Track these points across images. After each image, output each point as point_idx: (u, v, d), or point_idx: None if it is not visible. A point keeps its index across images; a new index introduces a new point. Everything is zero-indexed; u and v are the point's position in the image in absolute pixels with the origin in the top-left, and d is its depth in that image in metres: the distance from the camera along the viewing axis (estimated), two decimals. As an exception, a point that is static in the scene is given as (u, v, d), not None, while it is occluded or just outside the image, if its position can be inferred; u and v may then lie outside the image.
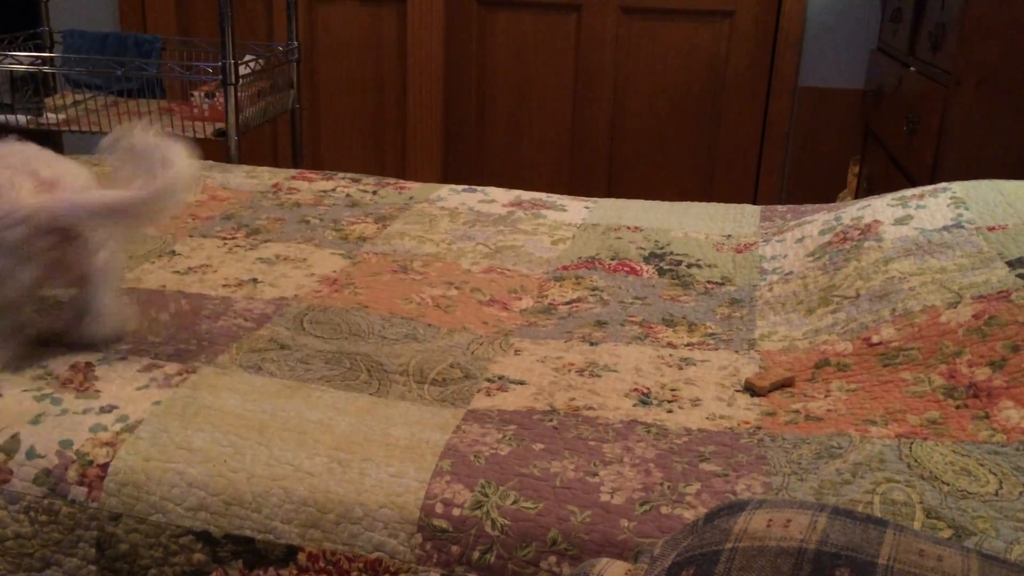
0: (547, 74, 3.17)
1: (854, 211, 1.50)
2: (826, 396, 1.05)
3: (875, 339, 1.14)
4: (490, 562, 0.85)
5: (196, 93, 2.49)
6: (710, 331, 1.26)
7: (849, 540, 0.62)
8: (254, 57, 2.45)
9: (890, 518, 0.82)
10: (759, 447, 0.95)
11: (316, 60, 3.28)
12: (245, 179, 1.91)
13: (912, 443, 0.93)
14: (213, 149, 2.43)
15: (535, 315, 1.30)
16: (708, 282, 1.44)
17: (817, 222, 1.53)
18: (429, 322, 1.26)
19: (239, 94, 2.33)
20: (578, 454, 0.93)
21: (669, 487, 0.88)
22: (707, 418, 1.02)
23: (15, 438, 0.96)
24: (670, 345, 1.22)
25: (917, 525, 0.81)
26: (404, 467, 0.91)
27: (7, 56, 2.37)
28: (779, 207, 1.76)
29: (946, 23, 1.94)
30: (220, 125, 2.39)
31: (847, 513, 0.66)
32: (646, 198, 1.88)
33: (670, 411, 1.04)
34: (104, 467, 0.94)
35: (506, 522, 0.86)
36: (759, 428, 0.99)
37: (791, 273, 1.41)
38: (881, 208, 1.46)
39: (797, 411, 1.02)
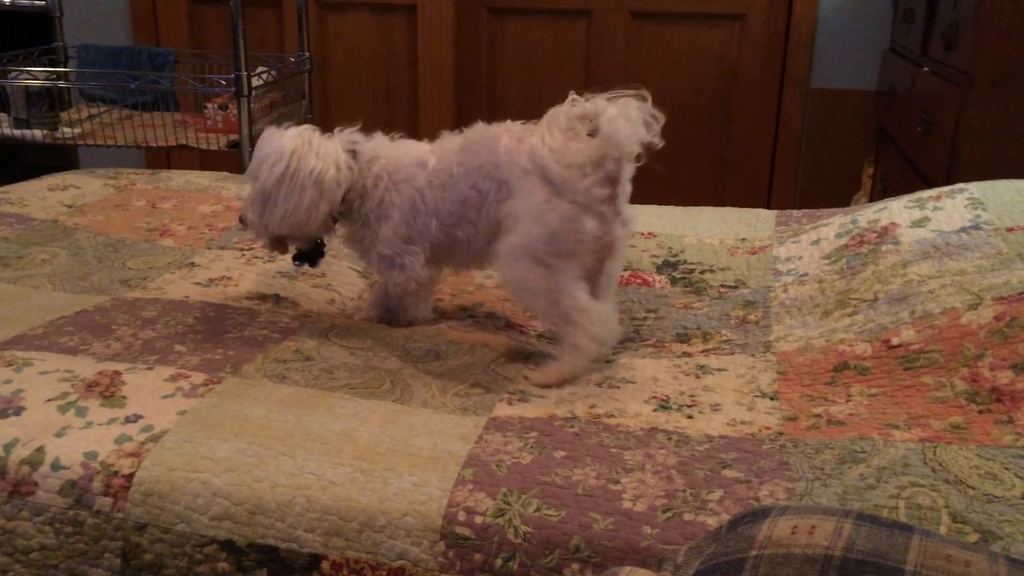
0: (557, 80, 3.18)
1: (870, 214, 1.49)
2: (847, 401, 1.05)
3: (895, 341, 1.14)
4: (513, 569, 0.85)
5: (209, 105, 2.50)
6: (725, 338, 1.26)
7: (875, 546, 0.62)
8: (266, 68, 2.46)
9: (915, 523, 0.81)
10: (781, 453, 0.94)
11: (327, 70, 3.30)
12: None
13: (936, 447, 0.92)
14: (227, 160, 2.45)
15: (552, 337, 1.30)
16: (722, 286, 1.44)
17: (833, 225, 1.52)
18: (450, 339, 1.26)
19: (252, 105, 2.34)
20: (600, 461, 0.93)
21: (692, 494, 0.88)
22: (728, 424, 1.02)
23: (40, 450, 0.97)
24: (685, 354, 1.22)
25: (943, 530, 0.81)
26: (427, 476, 0.92)
27: (22, 72, 2.39)
28: (794, 212, 1.75)
29: (959, 22, 1.93)
30: (234, 137, 2.40)
31: (872, 519, 0.66)
32: (658, 203, 1.88)
33: (690, 417, 1.04)
34: (129, 477, 0.94)
35: (529, 530, 0.86)
36: (780, 434, 0.99)
37: (806, 275, 1.41)
38: (897, 210, 1.45)
39: (819, 416, 1.02)
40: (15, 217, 1.72)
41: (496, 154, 1.19)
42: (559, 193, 1.12)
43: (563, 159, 1.12)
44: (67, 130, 2.46)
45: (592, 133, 1.13)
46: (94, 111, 2.61)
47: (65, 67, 2.70)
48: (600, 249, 1.16)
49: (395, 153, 1.28)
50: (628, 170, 1.16)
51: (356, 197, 1.27)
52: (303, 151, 1.23)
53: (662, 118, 1.13)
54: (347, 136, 1.30)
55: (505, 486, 0.90)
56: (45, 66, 2.56)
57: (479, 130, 1.25)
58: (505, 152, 1.18)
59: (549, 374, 1.13)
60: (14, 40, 2.82)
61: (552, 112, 1.15)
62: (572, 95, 1.15)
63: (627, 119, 1.11)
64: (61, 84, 2.47)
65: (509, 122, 1.23)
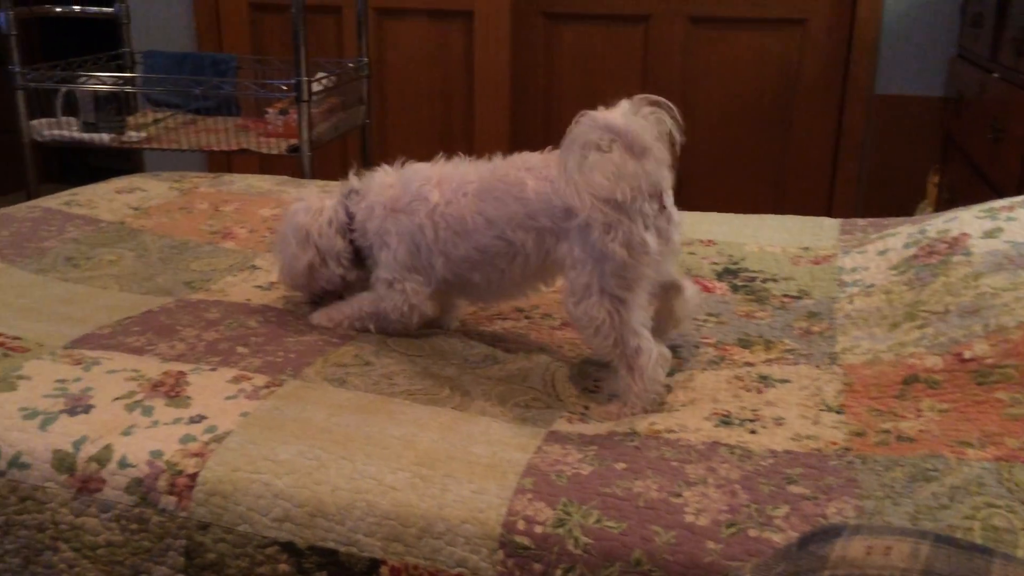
0: (614, 86, 3.16)
1: (940, 223, 1.45)
2: (917, 416, 1.02)
3: (967, 355, 1.10)
4: (572, 581, 0.84)
5: (270, 110, 2.54)
6: (788, 347, 1.24)
7: (954, 570, 0.60)
8: (326, 74, 2.49)
9: (991, 545, 0.78)
10: (849, 469, 0.92)
11: (385, 75, 3.33)
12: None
13: (1012, 467, 0.89)
14: (287, 165, 2.48)
15: None
16: (784, 296, 1.41)
17: (901, 235, 1.48)
18: (506, 347, 1.26)
19: (312, 110, 2.37)
20: (661, 474, 0.92)
21: (756, 509, 0.86)
22: (792, 439, 1.00)
23: (108, 448, 0.99)
24: (747, 364, 1.20)
25: (1021, 553, 0.78)
26: (486, 484, 0.91)
27: (91, 77, 2.46)
28: (859, 220, 1.71)
29: (1033, 28, 1.87)
30: (293, 141, 2.43)
31: (950, 541, 0.63)
32: (716, 210, 1.85)
33: (753, 432, 1.02)
34: (193, 477, 0.96)
35: (589, 541, 0.85)
36: (848, 449, 0.96)
37: (873, 286, 1.38)
38: (968, 220, 1.41)
39: (888, 431, 0.99)
40: (84, 219, 1.76)
41: (527, 203, 1.13)
42: (615, 222, 1.07)
43: (599, 197, 1.04)
44: (133, 134, 2.52)
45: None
46: (159, 115, 2.67)
47: (132, 73, 2.77)
48: (662, 261, 1.14)
49: (388, 185, 1.26)
50: (668, 180, 1.11)
51: (360, 236, 1.28)
52: (295, 214, 1.33)
53: (673, 121, 1.07)
54: (347, 183, 1.32)
55: (565, 496, 0.89)
56: (113, 72, 2.63)
57: (497, 173, 1.18)
58: (538, 199, 1.13)
59: (610, 413, 1.10)
60: (84, 46, 2.91)
61: (565, 152, 1.06)
62: (580, 115, 1.07)
63: (631, 115, 1.05)
64: (128, 89, 2.54)
65: (526, 154, 1.18)
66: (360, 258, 1.30)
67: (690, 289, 1.23)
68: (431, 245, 1.20)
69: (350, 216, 1.28)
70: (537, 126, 3.26)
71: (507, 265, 1.18)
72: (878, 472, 0.91)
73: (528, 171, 1.16)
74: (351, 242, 1.29)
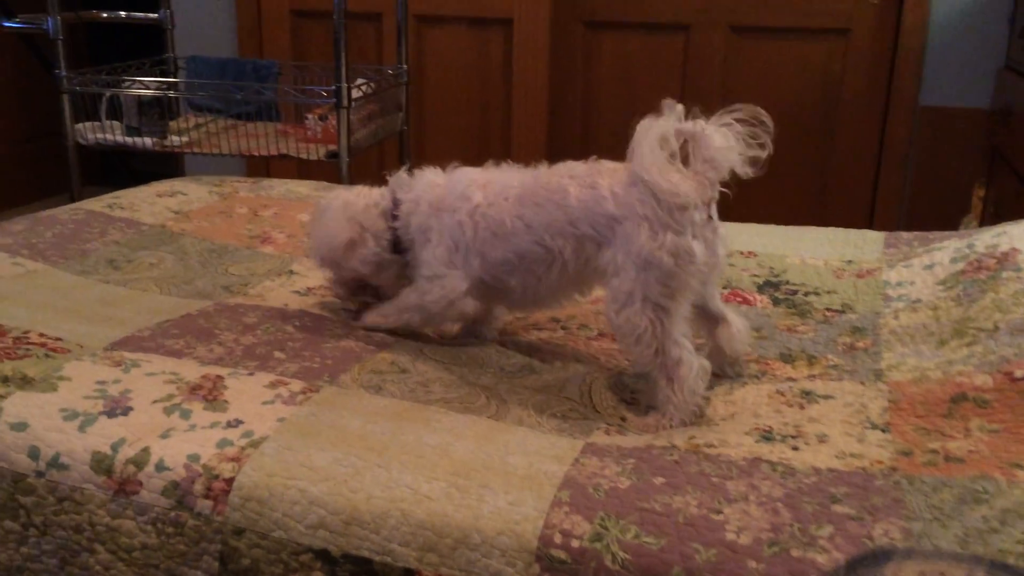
0: (653, 95, 3.13)
1: (988, 238, 1.42)
2: (966, 436, 0.99)
3: (1018, 373, 1.07)
4: (609, 597, 0.83)
5: (310, 116, 2.56)
6: (832, 363, 1.21)
7: (1011, 598, 0.58)
8: (365, 81, 2.50)
9: (1046, 573, 0.76)
10: (895, 489, 0.89)
11: (423, 83, 3.34)
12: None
13: (1069, 492, 0.86)
14: (325, 170, 2.50)
15: None
16: (827, 310, 1.39)
17: (948, 249, 1.45)
18: (543, 357, 1.25)
19: (351, 117, 2.38)
20: (701, 490, 0.90)
21: (799, 528, 0.84)
22: (836, 456, 0.97)
23: (146, 451, 1.00)
24: (789, 379, 1.18)
25: (1078, 583, 0.75)
26: (522, 495, 0.90)
27: (135, 81, 2.49)
28: (904, 233, 1.68)
29: (1087, 39, 1.82)
30: (332, 147, 2.45)
31: (1005, 568, 0.61)
32: (756, 222, 1.83)
33: (796, 448, 0.99)
34: (229, 482, 0.96)
35: (627, 556, 0.84)
36: (894, 469, 0.94)
37: (919, 301, 1.34)
38: (1019, 235, 1.38)
39: (935, 451, 0.96)
40: (126, 221, 1.79)
41: (569, 210, 1.13)
42: (660, 229, 1.07)
43: (673, 197, 1.06)
44: (175, 138, 2.55)
45: (684, 150, 1.08)
46: (200, 120, 2.70)
47: (175, 78, 2.80)
48: (707, 272, 1.12)
49: (436, 183, 1.26)
50: (716, 191, 1.12)
51: (402, 227, 1.27)
52: (339, 195, 1.33)
53: (770, 131, 1.09)
54: (395, 178, 1.32)
55: (602, 510, 0.88)
56: (156, 76, 2.67)
57: (540, 180, 1.18)
58: (580, 206, 1.13)
59: (648, 425, 1.09)
60: (129, 51, 2.95)
61: (648, 138, 1.07)
62: (668, 103, 1.10)
63: (734, 149, 1.08)
64: (171, 94, 2.57)
65: (570, 163, 1.19)
66: (398, 248, 1.30)
67: (737, 323, 1.20)
68: (469, 244, 1.21)
69: (396, 203, 1.29)
70: (575, 135, 3.25)
71: (544, 271, 1.17)
72: (926, 493, 0.88)
73: (571, 179, 1.16)
74: (393, 229, 1.29)
